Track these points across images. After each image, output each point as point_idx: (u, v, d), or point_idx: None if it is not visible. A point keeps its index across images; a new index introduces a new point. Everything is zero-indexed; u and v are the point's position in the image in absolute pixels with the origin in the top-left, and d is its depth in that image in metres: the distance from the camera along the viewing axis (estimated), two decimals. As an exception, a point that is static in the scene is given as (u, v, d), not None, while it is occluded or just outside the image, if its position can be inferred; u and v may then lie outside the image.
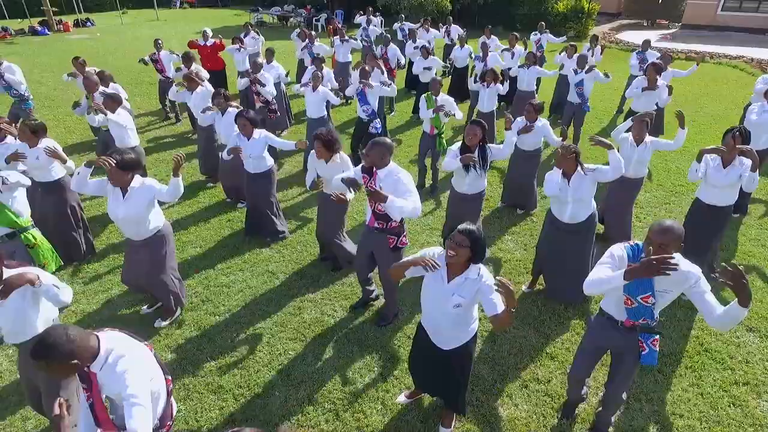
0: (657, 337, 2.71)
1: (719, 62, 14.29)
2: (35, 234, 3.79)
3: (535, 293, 4.55)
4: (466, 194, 4.61)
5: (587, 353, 3.02)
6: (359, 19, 12.61)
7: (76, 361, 1.92)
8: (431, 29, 11.78)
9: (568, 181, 3.84)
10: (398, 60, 9.74)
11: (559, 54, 8.95)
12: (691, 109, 9.87)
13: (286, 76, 8.52)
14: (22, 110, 7.44)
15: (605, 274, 2.52)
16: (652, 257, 2.29)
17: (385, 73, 8.20)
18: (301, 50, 9.73)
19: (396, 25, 12.83)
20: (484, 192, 4.69)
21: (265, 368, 3.70)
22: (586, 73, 7.33)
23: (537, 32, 10.79)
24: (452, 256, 2.52)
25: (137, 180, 3.56)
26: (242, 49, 9.36)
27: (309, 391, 3.50)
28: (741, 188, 4.22)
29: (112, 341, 2.08)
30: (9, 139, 4.58)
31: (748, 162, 4.01)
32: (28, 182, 3.81)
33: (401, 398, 3.43)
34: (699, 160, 4.19)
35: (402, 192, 3.41)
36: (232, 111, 5.57)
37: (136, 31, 19.30)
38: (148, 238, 3.74)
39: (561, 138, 5.05)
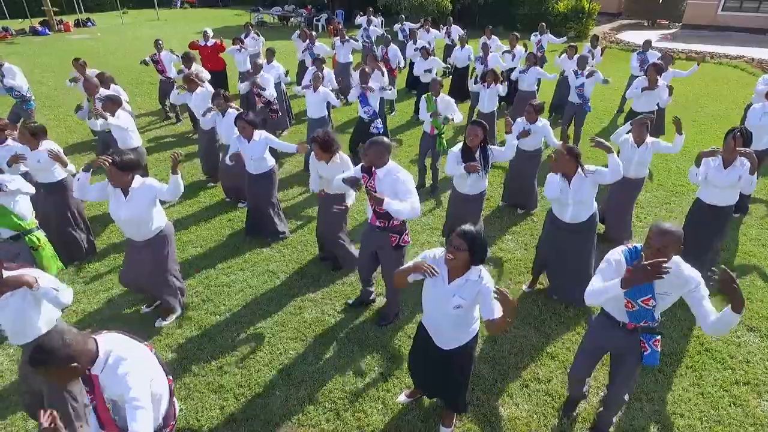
0: (659, 337, 2.71)
1: (720, 62, 14.28)
2: (39, 236, 3.78)
3: (536, 293, 4.55)
4: (467, 195, 4.61)
5: (588, 353, 3.03)
6: (360, 19, 12.61)
7: (75, 364, 1.93)
8: (432, 29, 11.79)
9: (569, 183, 3.85)
10: (398, 61, 9.74)
11: (559, 56, 8.95)
12: (691, 110, 9.88)
13: (286, 75, 8.52)
14: (24, 111, 7.46)
15: (603, 285, 2.55)
16: (645, 262, 2.31)
17: (386, 74, 8.20)
18: (303, 52, 9.71)
19: (396, 26, 12.82)
20: (485, 192, 4.70)
21: (266, 368, 3.71)
22: (587, 78, 7.33)
23: (537, 33, 10.77)
24: (451, 260, 2.54)
25: (138, 180, 3.56)
26: (243, 50, 9.37)
27: (310, 391, 3.50)
28: (740, 189, 4.23)
29: (110, 343, 2.08)
30: (10, 141, 4.60)
31: (748, 163, 4.01)
32: (32, 190, 3.78)
33: (402, 397, 3.43)
34: (698, 164, 4.20)
35: (401, 192, 3.41)
36: (232, 112, 5.58)
37: (137, 31, 19.31)
38: (150, 239, 3.74)
39: (560, 141, 5.06)
